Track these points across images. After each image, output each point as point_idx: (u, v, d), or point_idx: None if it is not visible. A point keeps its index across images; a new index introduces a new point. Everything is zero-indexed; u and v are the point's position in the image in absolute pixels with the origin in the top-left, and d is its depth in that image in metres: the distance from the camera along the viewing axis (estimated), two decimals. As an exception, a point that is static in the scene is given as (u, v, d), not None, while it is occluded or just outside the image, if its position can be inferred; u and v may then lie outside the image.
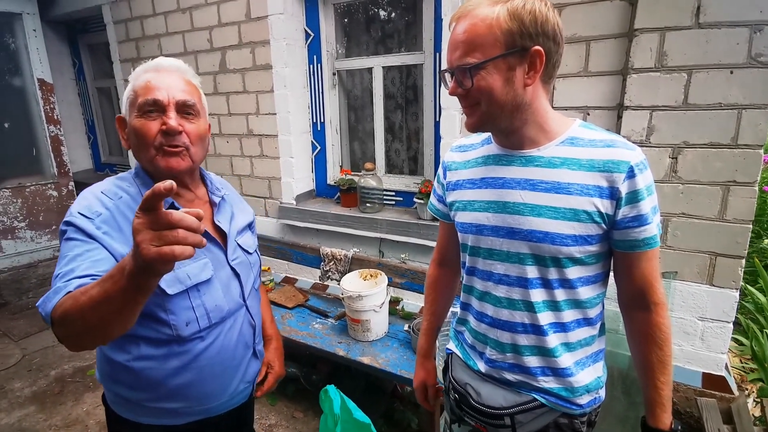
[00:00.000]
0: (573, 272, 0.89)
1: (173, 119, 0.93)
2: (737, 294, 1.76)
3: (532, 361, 0.95)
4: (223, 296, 1.02)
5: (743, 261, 1.72)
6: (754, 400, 2.08)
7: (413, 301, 2.56)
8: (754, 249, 3.03)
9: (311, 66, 2.79)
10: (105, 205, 0.92)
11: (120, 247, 0.88)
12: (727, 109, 1.62)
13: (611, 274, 0.98)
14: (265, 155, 2.92)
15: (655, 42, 1.70)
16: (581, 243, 0.87)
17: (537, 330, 0.93)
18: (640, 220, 0.85)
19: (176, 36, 3.11)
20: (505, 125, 0.89)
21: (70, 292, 0.76)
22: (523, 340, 0.94)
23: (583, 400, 0.96)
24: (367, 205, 2.62)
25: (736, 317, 1.84)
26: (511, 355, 0.97)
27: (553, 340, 0.93)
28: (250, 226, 1.20)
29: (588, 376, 0.96)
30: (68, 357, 2.92)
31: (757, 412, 1.89)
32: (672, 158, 1.75)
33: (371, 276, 2.23)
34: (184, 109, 0.96)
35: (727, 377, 1.86)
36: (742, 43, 1.55)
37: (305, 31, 2.73)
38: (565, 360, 0.94)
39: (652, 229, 0.86)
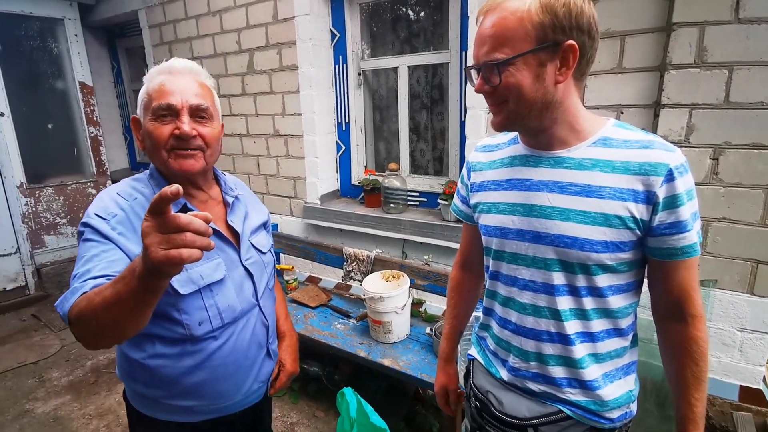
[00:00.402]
0: (603, 280, 0.84)
1: (186, 124, 0.94)
2: (783, 305, 1.65)
3: (558, 372, 0.90)
4: (236, 296, 1.03)
5: (790, 269, 1.60)
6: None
7: (436, 304, 2.53)
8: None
9: (336, 66, 2.79)
10: (120, 206, 0.93)
11: (134, 248, 0.90)
12: (772, 107, 1.52)
13: (644, 282, 0.92)
14: (291, 155, 2.94)
15: (694, 37, 1.61)
16: (613, 250, 0.82)
17: (563, 339, 0.88)
18: (678, 227, 0.79)
19: (206, 38, 3.18)
20: (534, 124, 0.85)
21: (86, 292, 0.78)
22: (549, 349, 0.90)
23: (613, 414, 0.91)
24: (391, 205, 2.61)
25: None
26: (535, 364, 0.92)
27: (580, 350, 0.88)
28: (264, 225, 1.20)
29: (618, 390, 0.91)
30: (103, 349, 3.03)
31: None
32: (713, 159, 1.65)
33: (393, 277, 2.21)
34: (198, 113, 0.97)
35: (765, 390, 1.74)
36: (786, 38, 1.44)
37: (331, 31, 2.74)
38: (592, 372, 0.89)
39: (692, 236, 0.80)
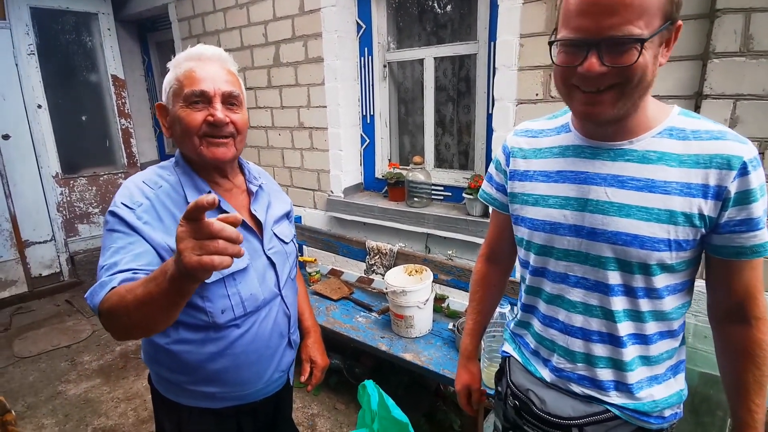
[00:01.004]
0: (661, 280, 0.79)
1: (220, 111, 0.94)
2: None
3: (605, 374, 0.86)
4: (259, 285, 1.03)
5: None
6: None
7: (459, 300, 2.49)
8: None
9: (362, 58, 2.77)
10: (146, 194, 0.93)
11: (159, 236, 0.90)
12: (827, 97, 1.41)
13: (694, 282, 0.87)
14: (315, 148, 2.95)
15: (739, 24, 1.51)
16: (675, 248, 0.77)
17: (615, 341, 0.84)
18: (749, 225, 0.74)
19: (234, 31, 3.21)
20: (625, 112, 0.75)
21: (114, 287, 0.80)
22: (599, 350, 0.86)
23: (665, 413, 0.87)
24: (415, 199, 2.58)
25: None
26: (582, 365, 0.88)
27: (630, 352, 0.84)
28: (287, 215, 1.20)
29: (668, 390, 0.87)
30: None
31: None
32: (759, 153, 1.55)
33: (416, 272, 2.18)
34: (229, 100, 0.97)
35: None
36: None
37: (357, 23, 2.71)
38: (638, 374, 0.85)
39: (764, 235, 0.75)
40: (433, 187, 2.63)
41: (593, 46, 0.69)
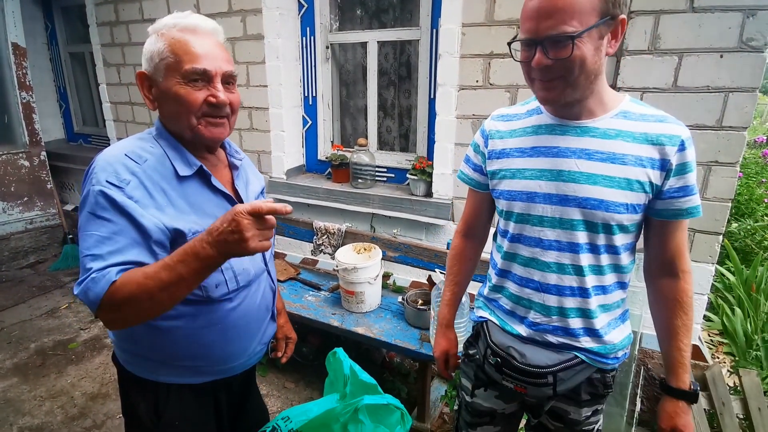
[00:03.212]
0: (619, 239, 0.94)
1: (222, 92, 0.92)
2: (713, 268, 1.88)
3: (576, 323, 1.00)
4: (249, 260, 1.03)
5: (720, 237, 1.83)
6: (728, 371, 2.24)
7: (404, 276, 2.61)
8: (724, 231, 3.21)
9: (304, 38, 2.74)
10: (131, 170, 0.88)
11: (151, 215, 0.87)
12: (714, 92, 1.70)
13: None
14: (255, 128, 2.87)
15: (650, 24, 1.75)
16: (631, 211, 0.91)
17: (583, 292, 0.98)
18: (686, 191, 0.90)
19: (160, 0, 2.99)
20: (579, 95, 0.90)
21: (114, 281, 0.79)
22: (570, 302, 0.99)
23: (618, 354, 1.03)
24: (359, 180, 2.63)
25: (708, 295, 1.97)
26: (556, 317, 1.01)
27: (594, 302, 0.98)
28: (262, 192, 1.21)
29: (621, 335, 1.03)
30: (47, 331, 2.85)
31: (731, 383, 2.03)
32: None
33: (365, 249, 2.25)
34: (228, 79, 0.95)
35: (701, 346, 1.99)
36: (734, 27, 1.62)
37: (298, 1, 2.67)
38: (601, 320, 1.00)
39: (697, 199, 0.92)
40: (377, 169, 2.70)
41: (538, 44, 0.84)
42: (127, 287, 0.78)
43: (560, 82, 0.87)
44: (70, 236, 3.90)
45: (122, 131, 3.61)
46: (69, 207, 4.37)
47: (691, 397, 0.99)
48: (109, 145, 3.96)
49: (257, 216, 0.76)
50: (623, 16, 0.84)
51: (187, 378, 1.03)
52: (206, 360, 1.02)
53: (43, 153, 3.88)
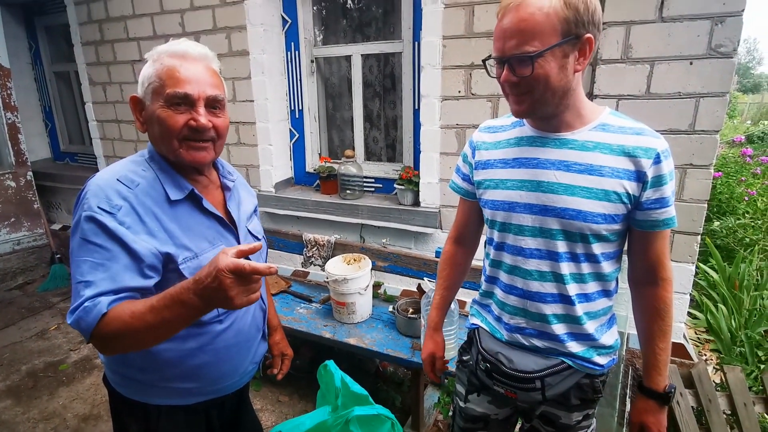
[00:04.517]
0: (597, 248, 0.96)
1: (203, 116, 0.93)
2: (693, 267, 1.93)
3: (559, 329, 1.02)
4: None
5: (699, 237, 1.88)
6: (714, 368, 2.29)
7: (394, 285, 2.64)
8: (705, 230, 3.28)
9: (289, 53, 2.78)
10: (123, 195, 0.89)
11: (143, 240, 0.87)
12: (686, 97, 1.76)
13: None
14: (243, 143, 2.89)
15: (621, 35, 1.82)
16: (609, 221, 0.94)
17: (566, 300, 1.00)
18: (662, 202, 0.92)
19: (144, 18, 3.01)
20: (551, 110, 0.93)
21: (104, 313, 0.80)
22: (554, 309, 1.01)
23: (604, 360, 1.05)
24: (347, 191, 2.66)
25: (690, 293, 2.02)
26: (540, 323, 1.03)
27: (579, 309, 1.01)
28: (255, 211, 1.21)
29: (609, 339, 1.06)
30: (38, 353, 2.82)
31: (717, 380, 2.07)
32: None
33: (355, 260, 2.27)
34: (212, 104, 0.95)
35: (686, 345, 2.03)
36: (702, 35, 1.68)
37: (282, 17, 2.71)
38: (589, 326, 1.02)
39: (672, 210, 0.94)
40: (364, 180, 2.73)
41: (506, 62, 0.89)
42: (114, 323, 0.79)
43: (528, 97, 0.91)
44: (58, 256, 3.88)
45: (109, 149, 3.61)
46: (56, 226, 4.34)
47: (661, 398, 1.02)
48: (95, 163, 3.92)
49: (239, 275, 0.74)
50: (589, 35, 0.86)
51: (178, 399, 1.03)
52: (198, 381, 1.03)
53: (30, 173, 3.86)
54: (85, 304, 0.80)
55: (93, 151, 3.75)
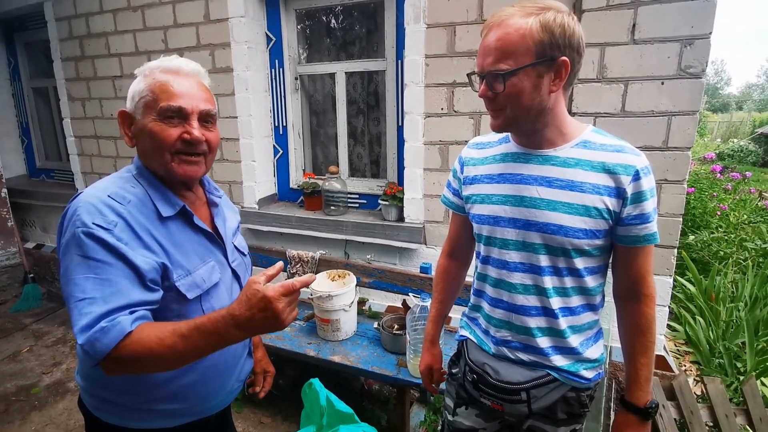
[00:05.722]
0: (580, 262, 0.98)
1: (197, 129, 0.94)
2: (671, 280, 1.97)
3: (544, 342, 1.03)
4: (228, 299, 1.03)
5: (675, 250, 1.93)
6: (694, 379, 2.32)
7: (379, 301, 2.62)
8: (681, 244, 3.37)
9: (273, 70, 2.79)
10: (117, 211, 0.88)
11: (141, 256, 0.87)
12: (658, 116, 1.83)
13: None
14: (226, 159, 2.87)
15: (596, 56, 1.89)
16: (590, 236, 0.95)
17: (550, 313, 1.02)
18: (642, 218, 0.94)
19: (126, 35, 3.00)
20: (528, 127, 0.97)
21: (127, 333, 0.79)
22: (538, 322, 1.03)
23: (590, 374, 1.06)
24: (332, 207, 2.66)
25: (669, 306, 2.06)
26: (525, 336, 1.04)
27: (563, 322, 1.02)
28: (238, 227, 1.21)
29: (594, 353, 1.07)
30: (9, 375, 2.70)
31: (698, 391, 2.10)
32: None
33: (339, 276, 2.26)
34: (205, 118, 0.96)
35: (667, 357, 2.06)
36: (672, 56, 1.76)
37: (266, 35, 2.74)
38: (573, 340, 1.03)
39: (653, 226, 0.96)
40: (349, 196, 2.74)
41: (483, 78, 0.93)
42: (137, 347, 0.78)
43: (502, 113, 0.95)
44: (32, 275, 3.75)
45: (87, 165, 3.54)
46: (30, 245, 4.21)
47: (642, 413, 1.02)
48: (72, 179, 3.84)
49: (289, 294, 0.78)
50: (564, 58, 0.88)
51: (161, 422, 1.00)
52: (184, 402, 1.00)
53: (4, 190, 3.75)
54: (101, 323, 0.78)
55: (70, 168, 3.67)
